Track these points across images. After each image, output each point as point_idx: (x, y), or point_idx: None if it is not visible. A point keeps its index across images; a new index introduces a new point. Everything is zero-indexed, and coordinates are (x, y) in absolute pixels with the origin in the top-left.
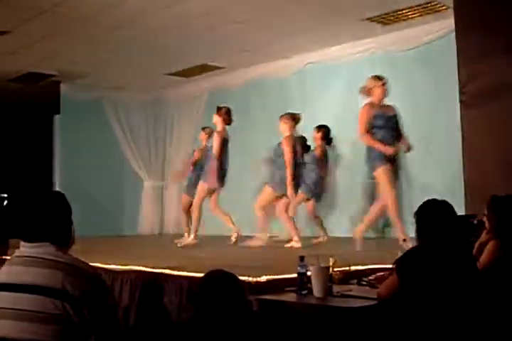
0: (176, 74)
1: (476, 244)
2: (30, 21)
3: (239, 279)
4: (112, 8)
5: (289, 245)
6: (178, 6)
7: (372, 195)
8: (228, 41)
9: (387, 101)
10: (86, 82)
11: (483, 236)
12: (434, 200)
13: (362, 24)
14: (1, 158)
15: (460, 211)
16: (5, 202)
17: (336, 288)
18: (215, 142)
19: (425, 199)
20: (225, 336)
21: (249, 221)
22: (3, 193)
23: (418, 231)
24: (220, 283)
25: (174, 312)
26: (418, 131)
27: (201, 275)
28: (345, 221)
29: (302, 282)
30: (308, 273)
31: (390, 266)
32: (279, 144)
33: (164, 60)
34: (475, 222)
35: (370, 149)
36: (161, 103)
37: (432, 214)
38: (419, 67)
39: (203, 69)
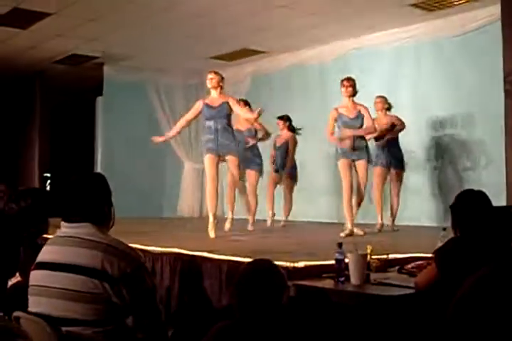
0: (219, 57)
1: None
2: (75, 4)
3: (281, 271)
4: None
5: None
6: None
7: None
8: (272, 26)
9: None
10: (129, 64)
11: None
12: (469, 191)
13: (406, 10)
14: (44, 138)
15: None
16: (48, 182)
17: (373, 276)
18: None
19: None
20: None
21: None
22: (47, 173)
23: (454, 222)
24: (266, 276)
25: (215, 297)
26: (461, 118)
27: (239, 259)
28: None
29: (340, 269)
30: (346, 260)
31: (429, 255)
32: None
33: (208, 43)
34: None
35: None
36: (203, 86)
37: (467, 205)
38: (464, 54)
39: (246, 53)
